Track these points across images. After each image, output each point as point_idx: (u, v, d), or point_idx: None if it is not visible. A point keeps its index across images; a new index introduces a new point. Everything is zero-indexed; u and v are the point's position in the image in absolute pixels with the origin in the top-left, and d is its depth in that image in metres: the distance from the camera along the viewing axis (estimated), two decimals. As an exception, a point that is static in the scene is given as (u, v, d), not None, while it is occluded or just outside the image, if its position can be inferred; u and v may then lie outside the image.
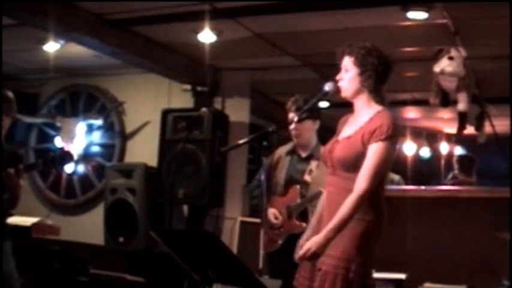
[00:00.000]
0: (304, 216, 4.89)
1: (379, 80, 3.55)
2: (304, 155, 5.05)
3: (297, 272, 3.64)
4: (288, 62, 7.63)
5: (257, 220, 5.20)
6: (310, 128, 5.02)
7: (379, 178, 3.41)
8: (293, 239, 4.76)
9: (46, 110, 8.92)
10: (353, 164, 3.46)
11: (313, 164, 4.97)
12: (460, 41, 6.32)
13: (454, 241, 6.21)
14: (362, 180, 3.37)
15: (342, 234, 3.39)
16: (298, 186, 4.94)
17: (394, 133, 3.43)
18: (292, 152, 5.09)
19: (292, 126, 4.46)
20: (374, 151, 3.40)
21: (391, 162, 3.51)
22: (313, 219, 3.80)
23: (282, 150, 5.16)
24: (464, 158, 8.07)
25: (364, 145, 3.44)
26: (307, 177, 4.94)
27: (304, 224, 4.81)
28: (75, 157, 8.44)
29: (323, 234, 3.35)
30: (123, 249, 7.39)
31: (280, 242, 4.90)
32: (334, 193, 3.54)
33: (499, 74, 7.14)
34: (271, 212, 4.95)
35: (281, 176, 5.05)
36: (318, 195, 4.73)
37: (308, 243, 3.38)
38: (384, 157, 3.40)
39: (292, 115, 4.90)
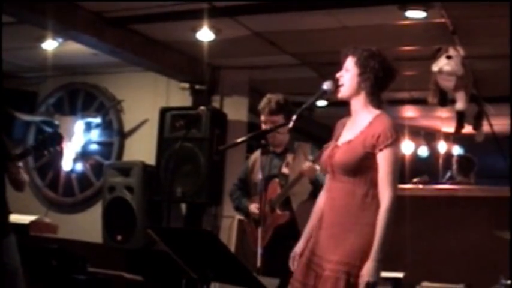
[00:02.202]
0: (286, 205, 4.93)
1: (378, 84, 3.55)
2: (278, 150, 5.10)
3: (293, 275, 3.63)
4: (287, 60, 7.63)
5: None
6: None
7: (397, 182, 3.43)
8: (280, 231, 4.84)
9: (44, 108, 8.92)
10: (354, 169, 3.47)
11: (289, 157, 5.05)
12: (458, 40, 6.33)
13: (451, 240, 6.22)
14: (385, 191, 3.38)
15: (343, 238, 3.39)
16: (277, 179, 4.98)
17: (397, 136, 3.45)
18: (267, 152, 5.11)
19: (290, 125, 4.45)
20: (385, 158, 3.41)
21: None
22: (307, 228, 3.79)
23: (257, 153, 5.21)
24: (464, 159, 8.03)
25: (365, 149, 3.45)
26: (284, 170, 5.00)
27: (287, 213, 4.88)
28: (73, 155, 8.48)
29: (372, 260, 3.30)
30: (121, 247, 7.39)
31: (267, 237, 4.90)
32: (337, 199, 3.54)
33: (497, 73, 7.15)
34: (254, 206, 4.98)
35: (259, 175, 5.07)
36: (297, 179, 4.81)
37: (362, 278, 3.30)
38: (396, 161, 3.42)
39: (264, 117, 5.00)
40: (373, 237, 3.35)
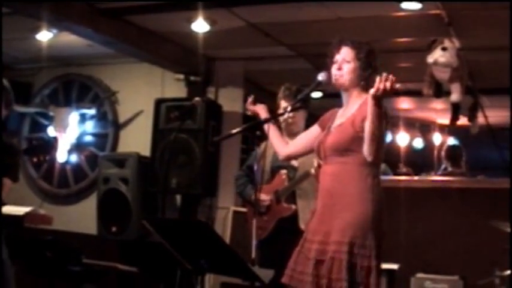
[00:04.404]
0: (292, 199, 4.88)
1: (373, 77, 3.57)
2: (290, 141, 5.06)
3: (292, 268, 3.59)
4: (282, 52, 7.62)
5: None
6: (303, 116, 5.03)
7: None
8: (283, 223, 4.81)
9: (39, 99, 8.89)
10: (344, 148, 3.50)
11: None
12: (453, 32, 6.33)
13: (446, 232, 6.23)
14: None
15: (343, 219, 3.40)
16: (285, 171, 4.93)
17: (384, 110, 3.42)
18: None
19: (289, 115, 4.44)
20: None
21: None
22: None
23: (267, 141, 5.17)
24: (451, 147, 8.04)
25: (355, 129, 3.47)
26: (294, 162, 4.94)
27: (293, 206, 4.83)
28: (68, 147, 8.46)
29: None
30: (116, 238, 7.38)
31: (269, 228, 4.90)
32: (328, 180, 3.55)
33: (493, 65, 7.16)
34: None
35: (267, 164, 5.06)
36: (305, 176, 4.77)
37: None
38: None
39: (284, 104, 4.92)
40: (369, 213, 3.39)
